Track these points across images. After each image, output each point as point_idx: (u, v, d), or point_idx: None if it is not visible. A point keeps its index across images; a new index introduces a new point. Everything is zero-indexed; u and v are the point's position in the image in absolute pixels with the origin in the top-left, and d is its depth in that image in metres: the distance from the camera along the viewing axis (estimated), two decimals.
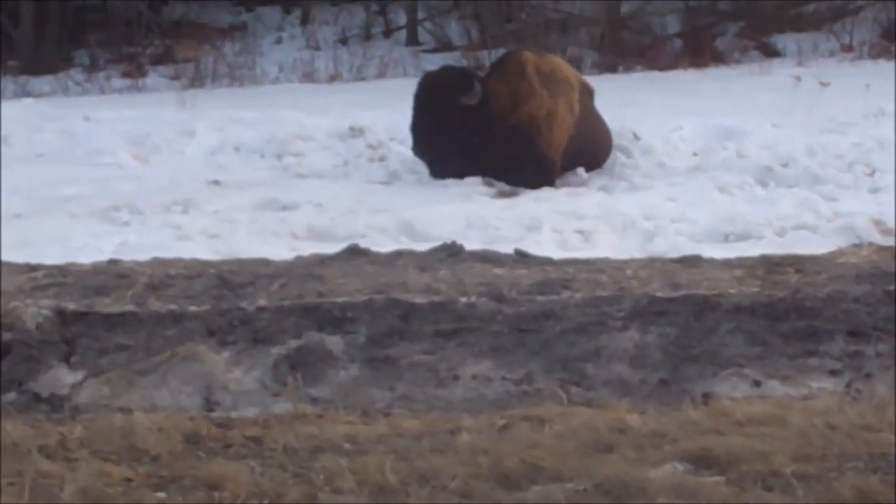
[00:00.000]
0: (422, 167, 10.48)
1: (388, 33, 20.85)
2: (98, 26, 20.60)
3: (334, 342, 3.67)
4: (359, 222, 8.45)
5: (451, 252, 4.93)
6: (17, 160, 11.02)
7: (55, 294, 3.13)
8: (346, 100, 14.32)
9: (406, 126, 11.64)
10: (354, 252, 4.60)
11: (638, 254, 7.54)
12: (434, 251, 4.96)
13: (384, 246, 7.97)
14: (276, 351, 3.57)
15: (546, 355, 3.82)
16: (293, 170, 10.50)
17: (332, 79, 17.70)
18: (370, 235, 8.28)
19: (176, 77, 18.64)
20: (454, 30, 20.34)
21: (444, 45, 20.09)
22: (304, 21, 21.37)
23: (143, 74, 18.43)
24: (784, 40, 18.90)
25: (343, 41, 20.43)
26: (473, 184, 9.90)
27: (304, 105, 13.64)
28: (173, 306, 3.46)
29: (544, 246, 7.43)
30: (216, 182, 9.84)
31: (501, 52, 19.43)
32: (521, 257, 4.87)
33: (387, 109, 12.78)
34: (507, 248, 6.39)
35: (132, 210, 8.81)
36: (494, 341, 3.90)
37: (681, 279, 5.14)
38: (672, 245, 7.88)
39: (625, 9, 20.40)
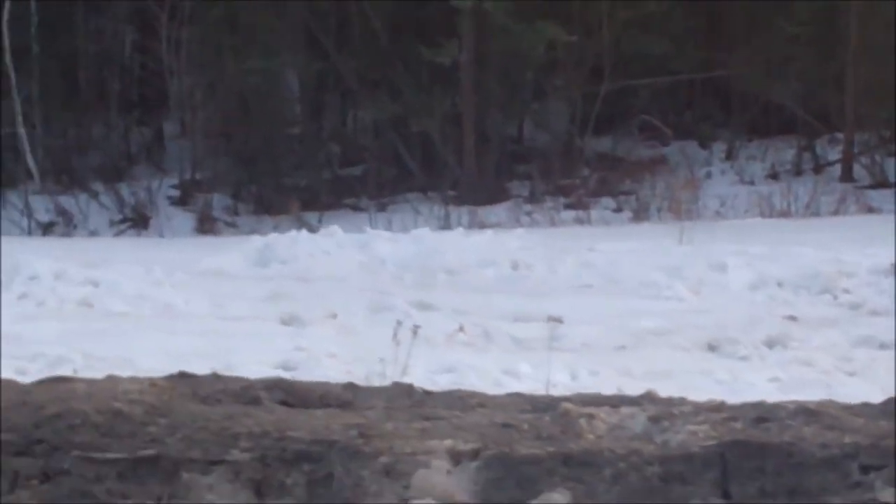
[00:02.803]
0: None
1: (818, 169, 20.53)
2: (526, 159, 20.92)
3: None
4: None
5: None
6: (556, 288, 11.09)
7: None
8: (838, 236, 13.99)
9: None
10: None
11: None
12: None
13: None
14: None
15: None
16: (863, 307, 10.21)
17: (783, 214, 17.46)
18: None
19: (618, 209, 18.74)
20: (890, 165, 19.91)
21: (880, 182, 19.66)
22: (729, 156, 21.26)
23: (586, 206, 18.55)
24: None
25: (773, 176, 20.21)
26: None
27: (789, 240, 13.41)
28: None
29: None
30: (792, 318, 9.63)
31: None
32: None
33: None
34: None
35: (735, 343, 8.68)
36: None
37: None
38: None
39: None
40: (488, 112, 19.80)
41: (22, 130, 19.93)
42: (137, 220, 18.94)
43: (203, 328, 9.23)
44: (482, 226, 16.98)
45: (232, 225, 18.66)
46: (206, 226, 18.60)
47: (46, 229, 18.84)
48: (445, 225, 17.14)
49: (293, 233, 13.62)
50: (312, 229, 16.17)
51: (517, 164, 20.91)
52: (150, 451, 3.11)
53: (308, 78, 20.07)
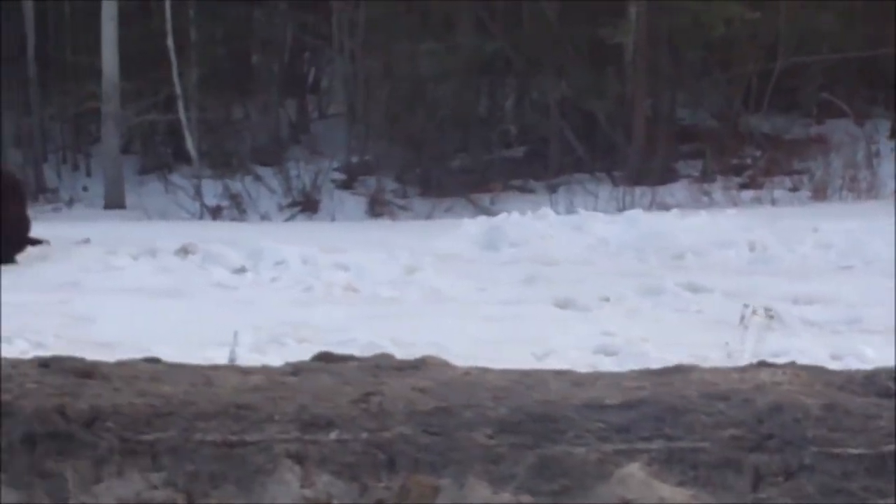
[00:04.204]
0: None
1: None
2: (686, 138, 20.66)
3: None
4: None
5: None
6: (811, 269, 10.95)
7: None
8: None
9: None
10: None
11: None
12: None
13: None
14: None
15: None
16: None
17: None
18: None
19: (794, 189, 18.49)
20: None
21: None
22: (894, 134, 20.90)
23: (761, 186, 18.31)
24: None
25: None
26: None
27: None
28: None
29: None
30: None
31: None
32: None
33: None
34: None
35: None
36: None
37: None
38: None
39: None
40: (658, 91, 19.59)
41: (183, 115, 19.94)
42: (307, 204, 18.88)
43: (485, 313, 9.13)
44: (662, 206, 16.78)
45: (405, 208, 18.55)
46: (377, 209, 18.50)
47: (216, 213, 18.81)
48: (623, 206, 16.94)
49: (504, 215, 13.53)
50: (485, 211, 16.11)
51: (679, 143, 20.65)
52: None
53: (475, 60, 19.88)
